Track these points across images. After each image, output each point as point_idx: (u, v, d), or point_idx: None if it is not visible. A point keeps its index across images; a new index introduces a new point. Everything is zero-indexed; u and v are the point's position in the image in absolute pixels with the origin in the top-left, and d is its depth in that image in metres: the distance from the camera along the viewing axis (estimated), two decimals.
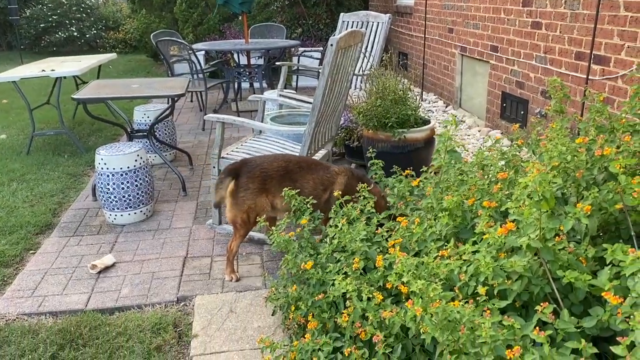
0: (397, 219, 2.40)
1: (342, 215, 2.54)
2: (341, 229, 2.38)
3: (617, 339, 1.35)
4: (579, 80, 4.16)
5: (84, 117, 6.59)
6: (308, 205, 2.64)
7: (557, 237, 1.71)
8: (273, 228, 2.53)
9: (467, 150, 4.93)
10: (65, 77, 5.74)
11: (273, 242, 2.48)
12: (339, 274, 2.18)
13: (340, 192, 2.69)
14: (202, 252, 3.34)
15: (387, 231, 2.38)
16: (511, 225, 1.72)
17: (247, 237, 3.38)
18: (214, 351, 2.41)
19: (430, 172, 2.58)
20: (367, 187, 2.62)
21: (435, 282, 1.70)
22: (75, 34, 14.02)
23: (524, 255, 1.69)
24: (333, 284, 2.15)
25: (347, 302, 2.08)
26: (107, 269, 3.14)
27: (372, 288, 2.06)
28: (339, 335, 2.12)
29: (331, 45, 3.02)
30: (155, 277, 3.04)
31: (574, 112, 4.15)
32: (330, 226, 2.47)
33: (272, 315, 2.58)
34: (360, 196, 2.59)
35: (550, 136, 2.00)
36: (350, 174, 2.97)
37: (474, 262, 1.76)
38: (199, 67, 6.56)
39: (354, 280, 2.09)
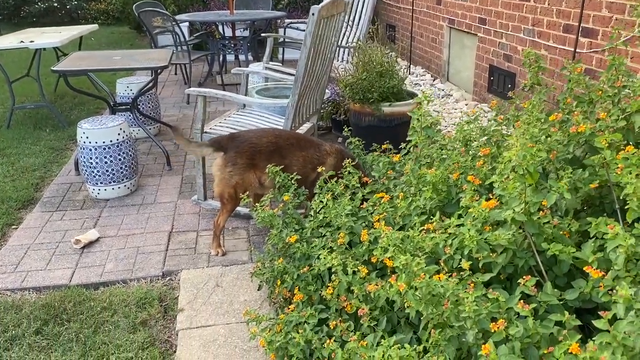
0: (380, 194, 2.40)
1: (327, 191, 2.53)
2: (326, 204, 2.37)
3: (599, 313, 1.36)
4: (566, 54, 4.14)
5: (65, 90, 6.44)
6: (292, 182, 2.62)
7: (541, 212, 1.71)
8: (257, 204, 2.51)
9: (453, 125, 4.92)
10: (45, 49, 5.59)
11: (258, 218, 2.47)
12: (324, 249, 2.18)
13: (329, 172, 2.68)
14: (188, 227, 3.32)
15: (372, 206, 2.38)
16: (492, 203, 1.72)
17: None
18: (200, 325, 2.40)
19: (410, 148, 2.56)
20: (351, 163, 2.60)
21: (420, 256, 1.70)
22: (56, 4, 13.63)
23: (508, 228, 1.69)
24: (318, 258, 2.15)
25: (333, 275, 2.08)
26: (91, 244, 3.11)
27: (357, 262, 2.06)
28: (325, 307, 2.13)
29: (312, 14, 2.96)
30: (140, 252, 3.02)
31: (561, 85, 4.15)
32: (315, 201, 2.46)
33: (258, 290, 2.58)
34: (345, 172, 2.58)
35: (525, 119, 1.99)
36: (341, 155, 2.93)
37: (459, 235, 1.76)
38: (182, 39, 6.43)
39: (339, 254, 2.08)
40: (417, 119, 2.43)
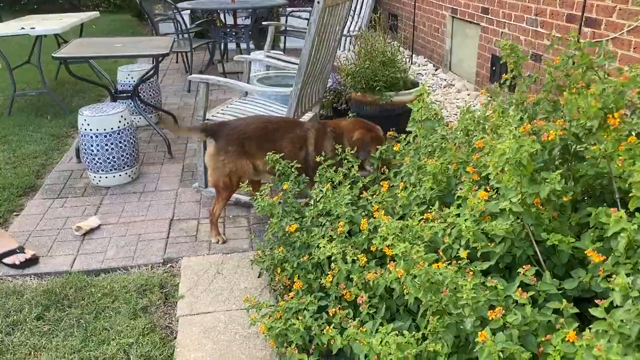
0: (380, 183, 2.40)
1: (327, 180, 2.54)
2: (326, 193, 2.38)
3: (596, 301, 1.36)
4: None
5: (66, 77, 6.40)
6: (292, 169, 2.63)
7: (542, 207, 1.71)
8: (257, 193, 2.52)
9: (455, 115, 4.91)
10: (45, 36, 5.57)
11: (257, 207, 2.47)
12: (324, 238, 2.19)
13: (313, 145, 2.81)
14: (189, 215, 3.32)
15: (371, 195, 2.38)
16: (484, 194, 1.72)
17: (234, 200, 3.38)
18: (201, 312, 2.42)
19: (411, 139, 2.56)
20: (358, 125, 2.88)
21: (419, 245, 1.71)
22: None
23: (506, 218, 1.70)
24: (318, 247, 2.15)
25: (332, 264, 2.09)
26: (92, 231, 3.12)
27: (357, 251, 2.07)
28: (324, 295, 2.14)
29: (318, 2, 2.94)
30: (141, 239, 3.03)
31: (559, 76, 4.12)
32: (315, 190, 2.47)
33: (259, 277, 2.59)
34: (344, 158, 2.60)
35: (504, 122, 1.98)
36: (318, 125, 3.00)
37: (457, 225, 1.76)
38: (184, 27, 6.40)
39: (339, 243, 2.09)
40: (417, 110, 2.43)
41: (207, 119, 3.35)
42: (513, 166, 1.60)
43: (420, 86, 4.12)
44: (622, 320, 1.30)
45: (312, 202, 2.46)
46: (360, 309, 1.88)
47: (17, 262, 2.73)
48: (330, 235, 2.23)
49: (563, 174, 1.63)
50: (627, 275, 1.36)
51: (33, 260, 2.77)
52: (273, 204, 2.48)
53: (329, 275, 2.06)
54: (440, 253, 1.77)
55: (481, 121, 2.28)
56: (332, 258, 2.07)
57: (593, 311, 1.35)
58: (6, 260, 2.74)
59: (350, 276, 2.00)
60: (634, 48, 3.46)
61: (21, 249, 2.80)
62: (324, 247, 2.07)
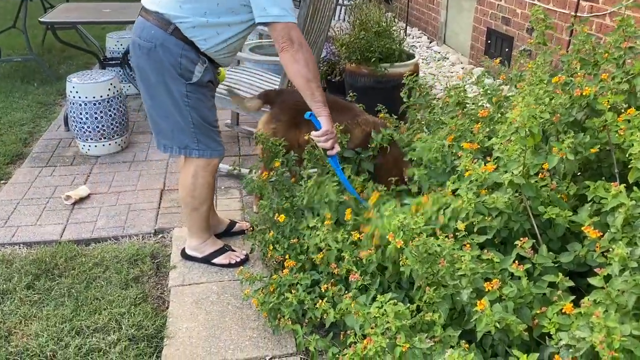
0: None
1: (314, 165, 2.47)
2: (311, 187, 2.29)
3: (595, 270, 1.37)
4: (566, 18, 4.08)
5: (53, 43, 6.28)
6: (281, 147, 2.56)
7: (540, 174, 1.70)
8: (248, 170, 2.46)
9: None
10: (31, 0, 5.42)
11: (247, 187, 2.42)
12: (311, 229, 2.13)
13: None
14: None
15: (363, 181, 2.35)
16: (490, 167, 1.70)
17: (226, 171, 3.35)
18: (193, 282, 2.41)
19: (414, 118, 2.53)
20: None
21: (417, 217, 1.69)
22: None
23: (505, 191, 1.68)
24: (310, 236, 2.11)
25: (323, 244, 2.05)
26: (81, 200, 3.08)
27: (348, 229, 2.04)
28: (317, 272, 2.13)
29: None
30: (132, 209, 2.99)
31: (559, 46, 4.09)
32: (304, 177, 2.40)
33: (251, 252, 2.57)
34: None
35: (528, 79, 1.95)
36: (371, 130, 2.69)
37: (454, 200, 1.74)
38: None
39: (328, 235, 2.03)
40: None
41: None
42: (520, 136, 1.57)
43: (415, 58, 4.07)
44: (619, 290, 1.31)
45: (302, 191, 2.37)
46: (352, 286, 1.87)
47: None
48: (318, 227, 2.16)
49: (573, 144, 1.61)
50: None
51: None
52: (263, 184, 2.42)
53: (321, 254, 2.04)
54: (438, 232, 1.75)
55: (490, 91, 2.25)
56: (323, 245, 2.03)
57: (591, 280, 1.36)
58: None
59: (342, 254, 1.97)
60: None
61: None
62: (313, 238, 2.03)
